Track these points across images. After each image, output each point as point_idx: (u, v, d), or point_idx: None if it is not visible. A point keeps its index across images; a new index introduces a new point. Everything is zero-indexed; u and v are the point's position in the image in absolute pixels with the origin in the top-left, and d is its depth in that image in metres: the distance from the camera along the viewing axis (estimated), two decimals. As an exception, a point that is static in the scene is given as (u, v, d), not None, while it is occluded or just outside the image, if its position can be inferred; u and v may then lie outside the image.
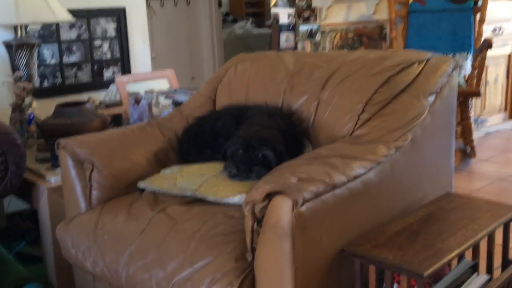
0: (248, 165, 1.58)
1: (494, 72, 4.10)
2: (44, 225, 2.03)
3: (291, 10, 3.59)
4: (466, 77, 3.54)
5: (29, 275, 2.04)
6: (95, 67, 2.92)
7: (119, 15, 2.95)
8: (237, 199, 1.53)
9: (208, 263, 1.31)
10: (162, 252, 1.41)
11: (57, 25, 2.75)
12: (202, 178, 1.63)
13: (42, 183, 2.00)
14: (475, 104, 3.93)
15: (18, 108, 2.35)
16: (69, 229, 1.68)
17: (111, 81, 2.82)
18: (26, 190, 2.07)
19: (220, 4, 4.79)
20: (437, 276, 1.37)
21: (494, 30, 3.99)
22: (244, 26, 5.78)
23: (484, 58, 3.44)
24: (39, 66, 2.63)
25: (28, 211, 2.57)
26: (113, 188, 1.73)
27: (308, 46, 3.64)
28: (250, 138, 1.61)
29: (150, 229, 1.49)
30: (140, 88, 2.69)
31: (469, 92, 3.39)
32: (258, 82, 1.96)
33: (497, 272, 1.56)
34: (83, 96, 2.74)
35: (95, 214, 1.64)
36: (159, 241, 1.43)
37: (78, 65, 2.86)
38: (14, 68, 2.45)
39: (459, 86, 3.01)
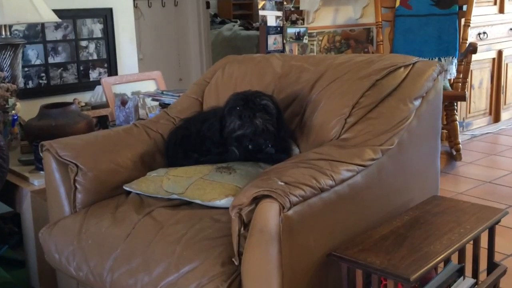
0: (251, 112, 1.59)
1: (479, 76, 4.15)
2: (27, 229, 1.99)
3: (279, 13, 3.59)
4: (452, 81, 3.57)
5: (11, 280, 2.01)
6: (81, 68, 2.89)
7: (106, 16, 2.92)
8: (223, 202, 1.52)
9: (195, 267, 1.30)
10: (148, 256, 1.39)
11: (43, 25, 2.71)
12: (189, 181, 1.62)
13: (26, 186, 1.97)
14: (460, 108, 3.97)
15: (1, 109, 2.31)
16: (52, 233, 1.65)
17: (97, 82, 2.79)
18: (9, 193, 2.04)
19: (208, 6, 4.78)
20: (424, 279, 1.37)
21: (479, 34, 4.03)
22: (232, 28, 5.77)
23: (469, 62, 3.48)
24: (23, 67, 2.59)
25: (11, 214, 2.53)
26: (98, 191, 1.70)
27: (295, 48, 3.64)
28: (247, 94, 1.64)
29: (136, 233, 1.47)
30: (126, 89, 2.67)
31: (455, 96, 3.42)
32: (245, 84, 1.95)
33: (483, 275, 1.57)
34: (68, 97, 2.71)
35: (79, 218, 1.62)
36: (145, 246, 1.42)
37: (63, 66, 2.83)
38: (-2, 68, 2.41)
39: (444, 89, 3.04)
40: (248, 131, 1.60)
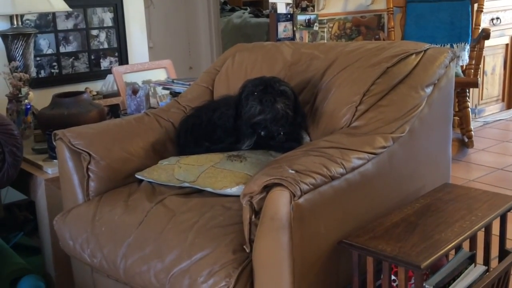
0: (272, 96, 1.59)
1: (492, 62, 4.10)
2: (42, 216, 2.03)
3: (289, 0, 3.57)
4: (464, 67, 3.54)
5: (27, 266, 2.04)
6: (92, 57, 2.90)
7: (116, 5, 2.93)
8: (235, 189, 1.53)
9: (206, 255, 1.31)
10: (160, 244, 1.41)
11: (54, 14, 2.72)
12: (200, 169, 1.63)
13: (40, 174, 2.00)
14: (472, 94, 3.93)
15: (14, 98, 2.34)
16: (66, 221, 1.67)
17: (108, 71, 2.80)
18: (24, 181, 2.07)
19: (217, -7, 4.75)
20: (435, 267, 1.37)
21: (492, 20, 3.98)
22: (242, 16, 5.74)
23: (481, 48, 3.44)
24: (35, 56, 2.61)
25: (26, 201, 2.56)
26: (110, 180, 1.72)
27: (306, 36, 3.62)
28: (265, 79, 1.64)
29: (148, 220, 1.49)
30: (137, 78, 2.68)
31: (467, 82, 3.39)
32: (256, 72, 1.95)
33: (494, 263, 1.57)
34: (80, 87, 2.72)
35: (92, 206, 1.64)
36: (157, 233, 1.43)
37: (75, 55, 2.84)
38: (11, 58, 2.43)
39: (457, 76, 3.00)
40: (269, 116, 1.60)
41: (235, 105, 1.68)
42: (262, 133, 1.66)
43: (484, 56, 3.78)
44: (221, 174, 1.59)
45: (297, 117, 1.65)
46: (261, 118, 1.60)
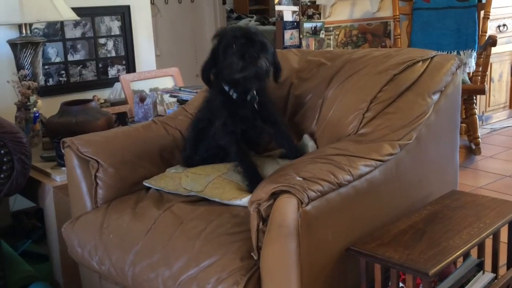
0: (254, 51, 1.44)
1: (499, 69, 4.09)
2: (50, 224, 2.04)
3: (295, 8, 3.58)
4: (471, 74, 3.53)
5: (35, 273, 2.05)
6: (100, 65, 2.92)
7: (123, 13, 2.95)
8: (244, 200, 1.51)
9: (214, 262, 1.32)
10: (168, 251, 1.41)
11: (62, 23, 2.75)
12: (207, 179, 1.63)
13: (48, 182, 2.01)
14: (479, 101, 3.92)
15: (23, 106, 2.36)
16: (75, 228, 1.68)
17: (116, 79, 2.83)
18: (32, 189, 2.08)
19: (224, 1, 4.79)
20: (443, 274, 1.37)
21: (499, 27, 3.97)
22: (248, 24, 5.77)
23: (488, 55, 3.43)
24: (44, 65, 2.63)
25: (34, 209, 2.58)
26: (118, 187, 1.73)
27: (312, 43, 3.63)
28: (244, 30, 1.49)
29: (156, 228, 1.49)
30: (145, 86, 2.70)
31: (474, 89, 3.38)
32: (262, 80, 1.96)
33: (502, 270, 1.56)
34: (88, 95, 2.75)
35: (100, 213, 1.65)
36: (165, 240, 1.44)
37: (83, 63, 2.87)
38: (19, 66, 2.46)
39: (463, 83, 3.00)
40: (252, 72, 1.46)
41: (213, 57, 1.51)
42: (235, 95, 1.55)
43: (491, 63, 3.77)
44: (229, 185, 1.59)
45: (276, 71, 1.58)
46: (242, 75, 1.46)
